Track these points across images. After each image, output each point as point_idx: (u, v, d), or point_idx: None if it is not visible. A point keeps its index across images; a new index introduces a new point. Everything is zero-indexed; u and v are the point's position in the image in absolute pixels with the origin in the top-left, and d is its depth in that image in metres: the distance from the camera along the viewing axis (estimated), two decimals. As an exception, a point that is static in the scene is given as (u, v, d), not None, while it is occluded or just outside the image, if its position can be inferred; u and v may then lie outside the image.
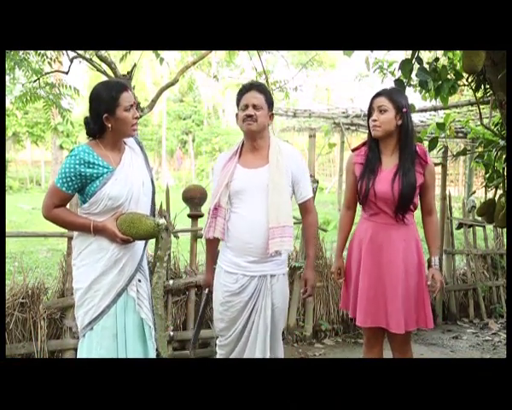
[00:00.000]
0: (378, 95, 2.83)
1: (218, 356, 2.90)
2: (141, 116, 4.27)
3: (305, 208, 2.90)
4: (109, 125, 2.46)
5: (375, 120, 2.80)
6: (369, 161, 2.87)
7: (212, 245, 2.97)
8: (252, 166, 2.76)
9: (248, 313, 2.74)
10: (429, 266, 2.86)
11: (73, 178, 2.41)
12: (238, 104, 2.79)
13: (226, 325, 2.80)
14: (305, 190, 2.84)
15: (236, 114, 2.81)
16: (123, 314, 2.53)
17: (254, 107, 2.71)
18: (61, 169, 2.43)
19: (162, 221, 2.50)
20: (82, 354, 2.53)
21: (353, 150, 3.04)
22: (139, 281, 2.60)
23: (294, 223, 4.73)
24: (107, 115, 2.45)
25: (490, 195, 4.47)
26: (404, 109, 2.80)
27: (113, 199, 2.46)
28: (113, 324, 2.51)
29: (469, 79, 3.98)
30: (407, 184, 2.75)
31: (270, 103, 2.77)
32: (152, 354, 2.64)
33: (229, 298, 2.76)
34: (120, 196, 2.47)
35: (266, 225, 2.66)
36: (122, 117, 2.46)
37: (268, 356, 2.72)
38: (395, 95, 2.82)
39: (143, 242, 2.66)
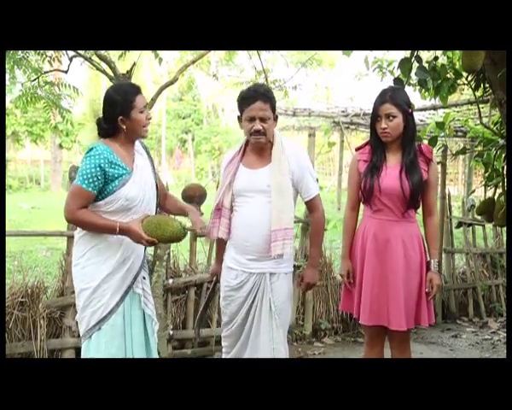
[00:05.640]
0: (384, 101, 2.79)
1: (222, 344, 2.92)
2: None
3: (311, 206, 2.87)
4: (124, 127, 2.49)
5: (384, 128, 2.79)
6: (373, 158, 2.88)
7: (221, 242, 2.97)
8: (254, 167, 2.76)
9: (247, 309, 2.75)
10: (428, 268, 2.87)
11: (99, 177, 2.41)
12: (241, 110, 2.70)
13: (228, 319, 2.84)
14: (308, 188, 2.80)
15: (238, 117, 2.75)
16: (129, 312, 2.55)
17: (261, 119, 2.64)
18: (84, 169, 2.41)
19: (188, 225, 2.51)
20: (89, 355, 2.50)
21: (357, 149, 3.04)
22: (144, 278, 2.63)
23: (294, 222, 4.77)
24: (123, 118, 2.48)
25: (489, 194, 4.47)
26: (410, 110, 2.81)
27: (130, 200, 2.48)
28: (122, 322, 2.52)
29: (469, 78, 3.98)
30: (416, 179, 2.78)
31: (275, 107, 2.71)
32: (154, 350, 2.65)
33: (229, 293, 2.79)
34: (136, 198, 2.50)
35: (266, 226, 2.66)
36: (137, 119, 2.50)
37: (283, 354, 2.72)
38: (399, 98, 2.80)
39: None
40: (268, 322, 2.71)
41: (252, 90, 2.70)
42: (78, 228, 2.58)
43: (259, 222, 2.68)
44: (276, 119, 2.75)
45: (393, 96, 2.80)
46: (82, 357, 2.55)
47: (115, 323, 2.49)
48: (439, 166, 5.35)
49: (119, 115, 2.47)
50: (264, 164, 2.74)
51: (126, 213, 2.50)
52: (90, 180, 2.41)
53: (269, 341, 2.70)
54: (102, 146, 2.47)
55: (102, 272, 2.48)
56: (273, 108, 2.70)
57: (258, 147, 2.74)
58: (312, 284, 2.94)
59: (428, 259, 2.89)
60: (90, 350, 2.50)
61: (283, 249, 2.65)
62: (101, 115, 2.58)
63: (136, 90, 2.56)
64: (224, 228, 2.76)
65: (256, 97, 2.64)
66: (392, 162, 2.85)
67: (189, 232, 4.54)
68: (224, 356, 2.91)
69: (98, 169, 2.40)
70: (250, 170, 2.75)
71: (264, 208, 2.68)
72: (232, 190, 2.75)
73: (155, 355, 2.67)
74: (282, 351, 2.72)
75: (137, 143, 2.66)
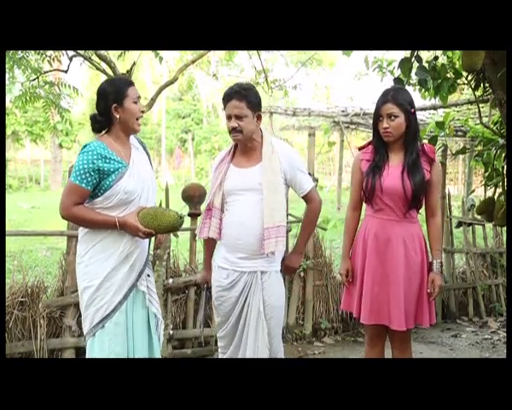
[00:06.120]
0: (385, 101, 2.80)
1: (218, 345, 2.93)
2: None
3: (307, 199, 2.88)
4: (117, 116, 2.51)
5: (386, 128, 2.79)
6: (375, 158, 2.88)
7: (210, 244, 2.98)
8: (244, 166, 2.77)
9: (240, 308, 2.75)
10: (430, 269, 2.87)
11: (92, 174, 2.42)
12: (224, 110, 2.76)
13: (222, 319, 2.84)
14: (302, 184, 2.81)
15: None
16: (132, 310, 2.55)
17: (237, 117, 2.66)
18: (77, 166, 2.43)
19: (184, 213, 2.51)
20: (93, 353, 2.50)
21: (360, 149, 3.04)
22: (148, 276, 2.63)
23: (293, 221, 4.78)
24: (116, 106, 2.50)
25: (489, 193, 4.48)
26: (412, 110, 2.81)
27: (128, 193, 2.49)
28: (125, 320, 2.52)
29: (469, 78, 3.98)
30: (418, 179, 2.77)
31: (254, 105, 2.70)
32: (157, 350, 2.65)
33: (221, 293, 2.79)
34: (135, 191, 2.51)
35: (257, 224, 2.67)
36: (130, 108, 2.52)
37: (266, 355, 2.69)
38: (401, 98, 2.80)
39: None
40: (256, 321, 2.71)
41: (228, 89, 2.73)
42: (80, 227, 2.59)
43: (251, 220, 2.68)
44: (259, 117, 2.75)
45: (395, 95, 2.80)
46: (87, 355, 2.55)
47: (118, 321, 2.49)
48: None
49: (113, 104, 2.49)
50: (254, 163, 2.75)
51: (126, 206, 2.51)
52: (83, 177, 2.42)
53: (254, 341, 2.71)
54: (96, 142, 2.48)
55: (105, 269, 2.48)
56: (251, 106, 2.69)
57: (242, 145, 2.76)
58: (292, 267, 2.94)
59: (431, 259, 2.89)
60: (94, 348, 2.50)
61: (276, 247, 2.66)
62: (95, 112, 2.59)
63: (129, 82, 2.60)
64: (214, 228, 2.77)
65: (231, 96, 2.68)
66: (395, 162, 2.86)
67: (188, 232, 4.56)
68: (220, 357, 2.92)
69: (91, 165, 2.41)
70: (240, 169, 2.77)
71: (255, 206, 2.69)
72: (223, 190, 2.76)
73: (158, 355, 2.66)
74: (265, 352, 2.70)
75: (133, 138, 2.67)
